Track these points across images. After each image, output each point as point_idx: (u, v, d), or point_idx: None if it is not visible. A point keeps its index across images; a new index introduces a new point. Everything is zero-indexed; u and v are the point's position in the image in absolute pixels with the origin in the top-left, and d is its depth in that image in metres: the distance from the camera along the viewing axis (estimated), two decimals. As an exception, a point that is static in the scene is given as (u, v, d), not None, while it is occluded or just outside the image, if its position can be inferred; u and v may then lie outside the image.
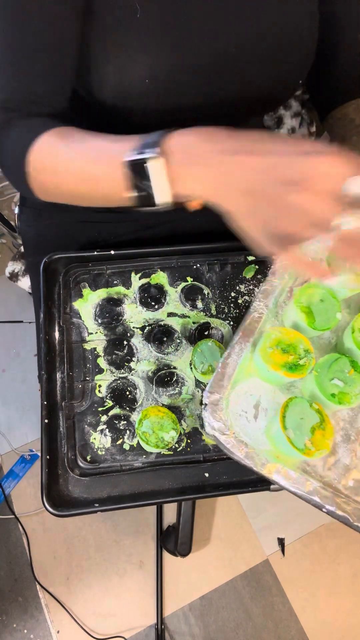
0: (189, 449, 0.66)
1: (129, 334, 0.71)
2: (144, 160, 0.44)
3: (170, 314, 0.72)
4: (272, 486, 0.63)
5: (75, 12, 0.53)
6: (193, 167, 0.44)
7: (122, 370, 0.69)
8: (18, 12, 0.51)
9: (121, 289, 0.73)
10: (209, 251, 0.75)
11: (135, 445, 0.66)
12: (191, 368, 0.68)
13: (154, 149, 0.44)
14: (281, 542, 1.34)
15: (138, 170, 0.45)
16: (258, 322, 0.62)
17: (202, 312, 0.73)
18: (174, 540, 1.15)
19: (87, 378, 0.69)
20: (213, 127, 0.45)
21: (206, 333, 0.71)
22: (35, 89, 0.56)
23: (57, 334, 0.70)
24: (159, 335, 0.71)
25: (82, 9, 0.54)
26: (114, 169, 0.47)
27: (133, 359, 0.70)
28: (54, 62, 0.56)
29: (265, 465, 0.54)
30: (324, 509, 0.52)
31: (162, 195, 0.46)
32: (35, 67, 0.55)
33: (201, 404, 0.68)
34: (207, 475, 0.66)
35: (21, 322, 1.54)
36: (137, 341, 0.71)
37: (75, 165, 0.50)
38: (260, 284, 0.73)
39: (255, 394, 0.60)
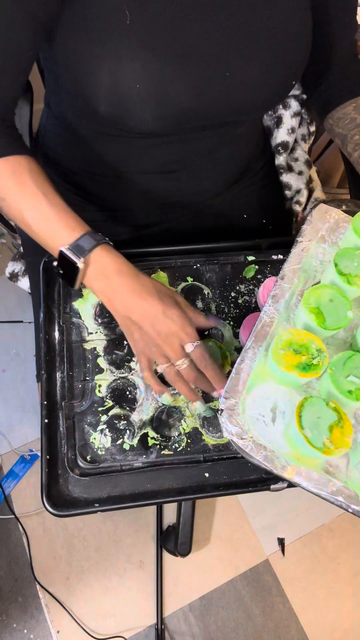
0: (189, 449, 0.66)
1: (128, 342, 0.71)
2: (72, 261, 0.58)
3: (170, 314, 0.72)
4: (272, 486, 0.63)
5: (32, 19, 0.54)
6: (98, 284, 0.60)
7: (122, 370, 0.69)
8: None
9: (121, 288, 0.73)
10: (209, 251, 0.75)
11: (135, 445, 0.66)
12: None
13: (80, 258, 0.58)
14: (281, 542, 1.34)
15: (64, 260, 0.59)
16: (270, 326, 0.62)
17: (202, 312, 0.72)
18: (174, 540, 1.15)
19: (87, 378, 0.69)
20: (129, 267, 0.60)
21: (206, 333, 0.71)
22: None
23: (57, 334, 0.70)
24: (159, 335, 0.71)
25: (40, 17, 0.54)
26: (50, 244, 0.60)
27: (133, 358, 0.70)
28: (4, 68, 0.57)
29: (285, 468, 0.54)
30: (349, 509, 0.52)
31: (74, 284, 0.61)
32: None
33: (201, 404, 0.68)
34: (207, 475, 0.66)
35: (21, 322, 1.54)
36: (137, 341, 0.71)
37: (20, 213, 0.60)
38: (260, 284, 0.73)
39: (272, 397, 0.59)
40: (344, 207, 0.69)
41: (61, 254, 0.58)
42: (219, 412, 0.56)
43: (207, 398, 0.68)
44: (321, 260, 0.66)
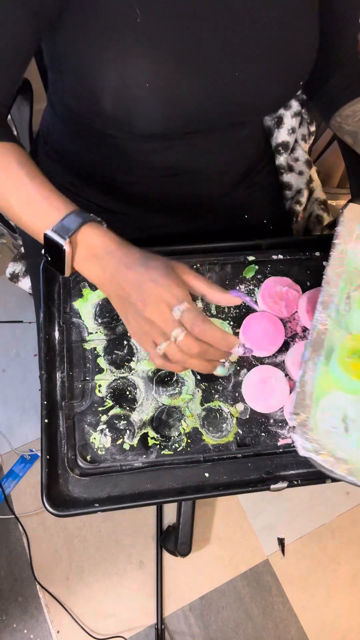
0: (189, 449, 0.66)
1: (129, 334, 0.71)
2: (57, 243, 0.52)
3: (170, 314, 0.72)
4: (272, 486, 0.63)
5: (31, 14, 0.53)
6: (89, 267, 0.54)
7: (122, 370, 0.69)
8: None
9: (121, 288, 0.73)
10: (209, 251, 0.75)
11: (135, 445, 0.66)
12: None
13: (65, 238, 0.52)
14: (281, 542, 1.34)
15: (50, 243, 0.53)
16: (324, 333, 0.60)
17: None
18: (174, 540, 1.15)
19: (87, 378, 0.69)
20: (120, 243, 0.54)
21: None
22: None
23: (57, 334, 0.70)
24: (159, 335, 0.71)
25: (39, 13, 0.53)
26: (34, 228, 0.55)
27: (133, 358, 0.70)
28: (3, 67, 0.56)
29: None
30: None
31: (64, 270, 0.55)
32: None
33: (201, 404, 0.68)
34: (207, 475, 0.66)
35: (21, 322, 1.54)
36: (137, 341, 0.71)
37: (3, 196, 0.56)
38: (260, 284, 0.73)
39: (340, 407, 0.57)
40: None
41: (46, 237, 0.53)
42: (291, 428, 0.54)
43: (207, 398, 0.68)
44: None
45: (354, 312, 0.61)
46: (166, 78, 0.57)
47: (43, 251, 0.55)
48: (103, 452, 0.65)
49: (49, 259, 0.55)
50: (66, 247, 0.52)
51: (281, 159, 0.94)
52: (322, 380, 0.57)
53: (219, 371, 0.56)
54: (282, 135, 0.94)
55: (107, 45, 0.55)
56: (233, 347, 0.53)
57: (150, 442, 0.66)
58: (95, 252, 0.53)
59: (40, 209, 0.54)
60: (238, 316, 0.72)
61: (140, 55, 0.55)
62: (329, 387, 0.57)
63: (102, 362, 0.69)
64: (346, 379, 0.56)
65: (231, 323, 0.72)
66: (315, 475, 0.65)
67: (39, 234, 0.54)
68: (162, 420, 0.67)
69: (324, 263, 0.63)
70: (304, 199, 0.95)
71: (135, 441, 0.66)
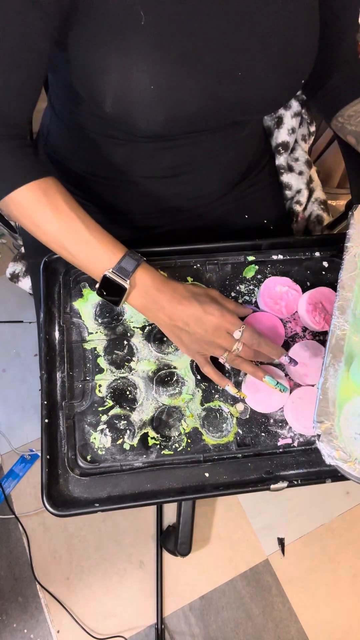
0: (189, 449, 0.66)
1: (129, 334, 0.71)
2: (117, 284, 0.62)
3: (170, 314, 0.72)
4: (272, 486, 0.64)
5: (50, 26, 0.53)
6: (140, 301, 0.64)
7: (122, 370, 0.69)
8: None
9: (121, 288, 0.73)
10: (209, 251, 0.75)
11: (135, 445, 0.66)
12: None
13: (126, 280, 0.61)
14: (281, 542, 1.34)
15: (110, 283, 0.62)
16: (343, 339, 0.59)
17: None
18: (174, 540, 1.15)
19: (87, 378, 0.69)
20: (164, 280, 0.64)
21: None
22: (4, 105, 0.57)
23: (57, 334, 0.70)
24: (159, 335, 0.71)
25: (56, 25, 0.53)
26: (92, 268, 0.63)
27: (133, 358, 0.70)
28: (24, 80, 0.56)
29: None
30: None
31: (119, 303, 0.64)
32: (7, 82, 0.55)
33: (201, 404, 0.68)
34: (207, 475, 0.66)
35: (21, 322, 1.54)
36: (137, 341, 0.71)
37: (57, 238, 0.61)
38: (260, 284, 0.73)
39: None
40: None
41: (106, 278, 0.61)
42: (315, 437, 0.54)
43: (207, 398, 0.68)
44: None
45: None
46: (170, 80, 0.56)
47: (98, 286, 0.63)
48: (103, 452, 0.65)
49: (104, 293, 0.63)
50: (127, 287, 0.61)
51: (281, 159, 0.94)
52: (344, 386, 0.57)
53: (270, 381, 0.65)
54: (282, 136, 0.94)
55: (110, 47, 0.54)
56: (281, 356, 0.65)
57: (151, 442, 0.66)
58: (147, 290, 0.63)
59: (97, 253, 0.61)
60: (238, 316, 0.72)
61: (143, 57, 0.55)
62: (350, 394, 0.57)
63: (102, 362, 0.69)
64: None
65: (231, 323, 0.72)
66: (315, 475, 0.65)
67: (96, 273, 0.63)
68: (162, 420, 0.67)
69: (324, 264, 0.63)
70: (304, 199, 0.95)
71: (135, 441, 0.66)
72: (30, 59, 0.55)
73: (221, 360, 0.66)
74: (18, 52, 0.53)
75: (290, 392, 0.68)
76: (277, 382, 0.65)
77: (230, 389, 0.66)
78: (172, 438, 0.66)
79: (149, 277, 0.63)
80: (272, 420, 0.68)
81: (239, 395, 0.66)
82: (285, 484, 0.64)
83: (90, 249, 0.61)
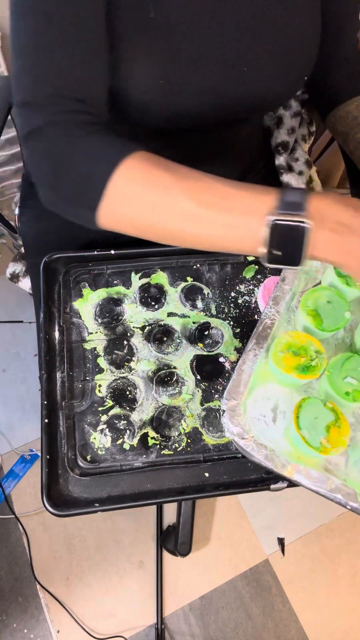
0: (189, 449, 0.66)
1: (129, 334, 0.71)
2: (297, 225, 0.43)
3: (170, 314, 0.72)
4: (272, 486, 0.64)
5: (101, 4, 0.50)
6: (338, 236, 0.44)
7: (122, 370, 0.69)
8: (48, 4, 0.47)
9: (121, 288, 0.74)
10: (209, 251, 0.75)
11: (135, 445, 0.66)
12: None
13: (301, 212, 0.43)
14: (281, 542, 1.34)
15: (281, 231, 0.44)
16: (271, 328, 0.63)
17: (202, 312, 0.73)
18: (174, 540, 1.15)
19: (87, 378, 0.69)
20: (340, 196, 0.46)
21: (206, 333, 0.71)
22: (75, 76, 0.49)
23: (57, 334, 0.70)
24: (159, 335, 0.71)
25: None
26: (247, 229, 0.45)
27: (133, 358, 0.70)
28: (87, 50, 0.49)
29: (286, 466, 0.55)
30: (347, 506, 0.53)
31: (300, 259, 0.45)
32: (71, 54, 0.48)
33: (201, 404, 0.68)
34: (207, 475, 0.66)
35: (21, 322, 1.54)
36: (137, 341, 0.71)
37: (186, 208, 0.46)
38: (260, 284, 0.73)
39: (273, 397, 0.61)
40: None
41: (275, 226, 0.44)
42: (221, 412, 0.57)
43: (207, 397, 0.68)
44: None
45: (299, 311, 0.63)
46: (176, 75, 0.57)
47: (266, 251, 0.45)
48: (103, 452, 0.65)
49: (280, 254, 0.45)
50: (309, 224, 0.44)
51: (281, 159, 0.94)
52: (261, 371, 0.61)
53: None
54: (281, 136, 0.94)
55: (119, 40, 0.54)
56: None
57: (150, 442, 0.66)
58: (340, 219, 0.45)
59: (245, 204, 0.45)
60: (238, 316, 0.72)
61: (151, 52, 0.55)
62: (265, 379, 0.61)
63: (102, 362, 0.69)
64: (277, 371, 0.59)
65: (231, 323, 0.72)
66: (315, 475, 0.65)
67: (256, 236, 0.45)
68: (162, 420, 0.67)
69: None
70: (304, 199, 0.95)
71: (135, 441, 0.66)
72: (89, 27, 0.49)
73: None
74: (77, 22, 0.48)
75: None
76: None
77: None
78: (172, 438, 0.66)
79: (331, 203, 0.45)
80: (272, 420, 0.68)
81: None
82: (285, 484, 0.64)
83: (235, 201, 0.45)
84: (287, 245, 0.44)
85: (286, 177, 0.95)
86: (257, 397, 0.60)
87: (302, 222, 0.43)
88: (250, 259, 0.76)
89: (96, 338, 0.71)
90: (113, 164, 0.46)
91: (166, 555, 1.29)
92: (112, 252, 0.73)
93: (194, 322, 0.72)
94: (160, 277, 0.74)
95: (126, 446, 0.66)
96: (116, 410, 0.67)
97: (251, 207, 0.45)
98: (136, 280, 0.74)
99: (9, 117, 0.85)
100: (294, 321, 0.65)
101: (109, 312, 0.72)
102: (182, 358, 0.70)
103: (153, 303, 0.73)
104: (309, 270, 0.67)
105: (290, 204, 0.44)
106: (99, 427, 0.66)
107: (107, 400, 0.68)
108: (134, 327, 0.71)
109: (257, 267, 0.75)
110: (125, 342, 0.70)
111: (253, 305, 0.73)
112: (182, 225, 0.46)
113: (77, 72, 0.49)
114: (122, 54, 0.55)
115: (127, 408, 0.67)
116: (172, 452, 0.66)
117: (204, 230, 0.46)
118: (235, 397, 0.59)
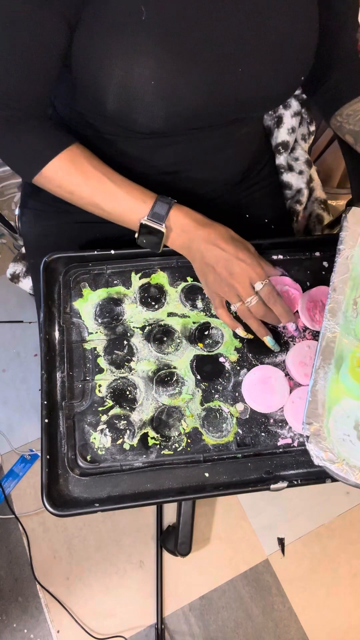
0: (189, 449, 0.66)
1: (129, 334, 0.71)
2: (154, 229, 0.66)
3: (170, 314, 0.72)
4: (272, 486, 0.63)
5: (64, 21, 0.53)
6: (179, 240, 0.68)
7: (122, 370, 0.69)
8: (4, 16, 0.52)
9: (121, 288, 0.73)
10: (209, 251, 0.75)
11: (135, 445, 0.66)
12: None
13: (162, 224, 0.65)
14: (281, 542, 1.34)
15: (148, 229, 0.66)
16: (334, 341, 0.60)
17: (202, 312, 0.73)
18: (174, 540, 1.15)
19: (87, 378, 0.69)
20: (203, 219, 0.67)
21: (206, 333, 0.71)
22: (26, 89, 0.59)
23: (57, 334, 0.70)
24: (159, 335, 0.71)
25: (71, 20, 0.54)
26: (127, 220, 0.67)
27: (133, 358, 0.70)
28: (38, 67, 0.57)
29: None
30: None
31: (159, 247, 0.69)
32: (25, 67, 0.57)
33: (201, 404, 0.68)
34: (207, 475, 0.66)
35: (21, 322, 1.54)
36: (137, 341, 0.71)
37: (91, 200, 0.66)
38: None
39: (352, 414, 0.57)
40: None
41: (143, 225, 0.65)
42: (304, 438, 0.54)
43: (207, 398, 0.68)
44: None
45: None
46: (171, 75, 0.57)
47: (137, 235, 0.67)
48: (103, 452, 0.65)
49: (144, 241, 0.68)
50: (163, 230, 0.65)
51: (281, 159, 0.94)
52: (333, 388, 0.58)
53: (269, 341, 0.69)
54: (282, 135, 0.94)
55: (112, 43, 0.55)
56: (291, 321, 0.68)
57: (150, 442, 0.66)
58: (183, 228, 0.66)
59: (129, 205, 0.66)
60: (237, 316, 0.72)
61: (145, 53, 0.55)
62: (339, 395, 0.58)
63: (102, 362, 0.69)
64: (357, 387, 0.56)
65: (231, 323, 0.72)
66: (315, 475, 0.65)
67: (132, 223, 0.67)
68: (162, 420, 0.67)
69: (324, 264, 0.63)
70: (304, 199, 0.95)
71: (135, 441, 0.66)
72: (44, 51, 0.56)
73: (233, 308, 0.68)
74: (32, 45, 0.55)
75: (290, 392, 0.68)
76: (275, 343, 0.69)
77: (240, 331, 0.70)
78: (172, 438, 0.66)
79: (183, 216, 0.66)
80: (272, 420, 0.68)
81: (247, 336, 0.70)
82: (285, 484, 0.64)
83: (122, 203, 0.65)
84: (152, 239, 0.67)
85: (286, 177, 0.95)
86: (336, 417, 0.57)
87: (160, 229, 0.65)
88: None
89: (96, 338, 0.71)
90: (45, 159, 0.64)
91: (166, 555, 1.29)
92: (112, 252, 0.73)
93: (194, 322, 0.72)
94: (160, 277, 0.74)
95: (126, 446, 0.66)
96: (116, 410, 0.67)
97: (131, 211, 0.66)
98: (136, 280, 0.74)
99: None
100: (355, 330, 0.62)
101: (109, 312, 0.72)
102: (182, 358, 0.70)
103: (153, 303, 0.73)
104: (356, 275, 0.65)
105: (156, 214, 0.65)
106: (99, 427, 0.66)
107: (107, 400, 0.68)
108: (134, 327, 0.71)
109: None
110: (125, 342, 0.70)
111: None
112: (90, 209, 0.68)
113: (11, 82, 0.58)
114: (113, 57, 0.55)
115: (127, 408, 0.67)
116: (172, 452, 0.66)
117: (104, 216, 0.68)
118: (316, 420, 0.55)
